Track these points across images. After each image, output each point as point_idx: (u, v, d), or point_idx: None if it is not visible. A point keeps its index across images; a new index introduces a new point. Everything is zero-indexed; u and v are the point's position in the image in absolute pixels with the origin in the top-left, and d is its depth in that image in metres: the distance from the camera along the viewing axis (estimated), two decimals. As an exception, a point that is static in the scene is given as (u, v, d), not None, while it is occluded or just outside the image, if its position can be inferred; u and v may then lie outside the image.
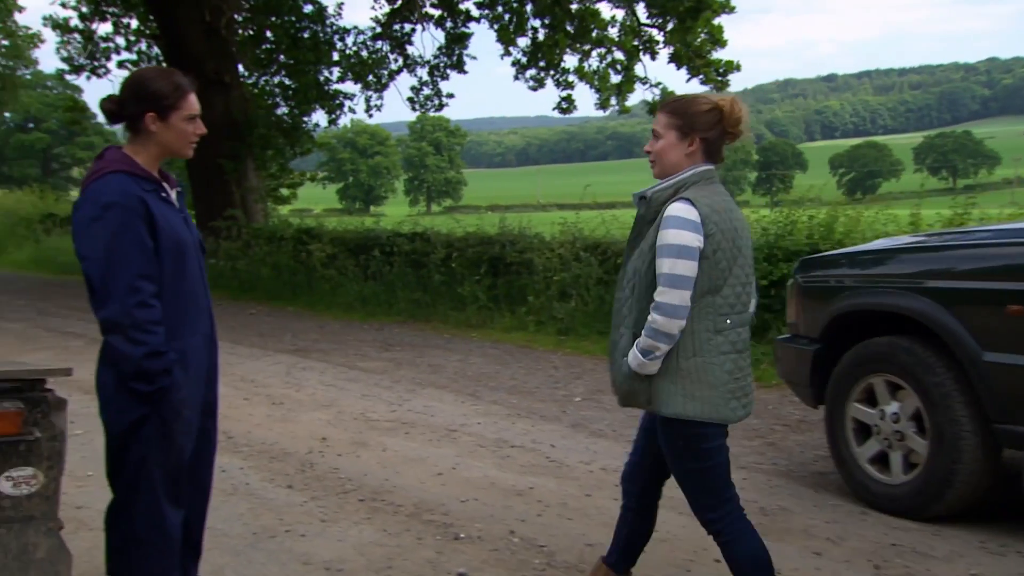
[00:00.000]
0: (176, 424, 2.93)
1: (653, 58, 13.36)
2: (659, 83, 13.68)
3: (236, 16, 16.45)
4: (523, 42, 17.36)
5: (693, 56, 12.71)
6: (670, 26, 12.32)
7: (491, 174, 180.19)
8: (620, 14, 13.99)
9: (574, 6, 14.06)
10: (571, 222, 10.66)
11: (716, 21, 12.57)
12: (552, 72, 17.88)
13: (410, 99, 19.29)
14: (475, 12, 17.76)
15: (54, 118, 64.62)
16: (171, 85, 2.92)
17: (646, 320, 2.82)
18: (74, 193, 60.05)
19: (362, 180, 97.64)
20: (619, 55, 14.29)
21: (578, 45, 16.46)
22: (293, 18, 17.10)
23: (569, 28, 16.57)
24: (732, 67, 13.09)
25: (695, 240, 2.78)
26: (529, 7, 16.50)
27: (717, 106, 2.93)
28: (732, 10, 12.48)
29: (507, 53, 15.32)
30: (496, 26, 17.47)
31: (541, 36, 17.23)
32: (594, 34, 14.34)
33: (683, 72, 13.06)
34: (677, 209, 2.81)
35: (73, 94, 35.10)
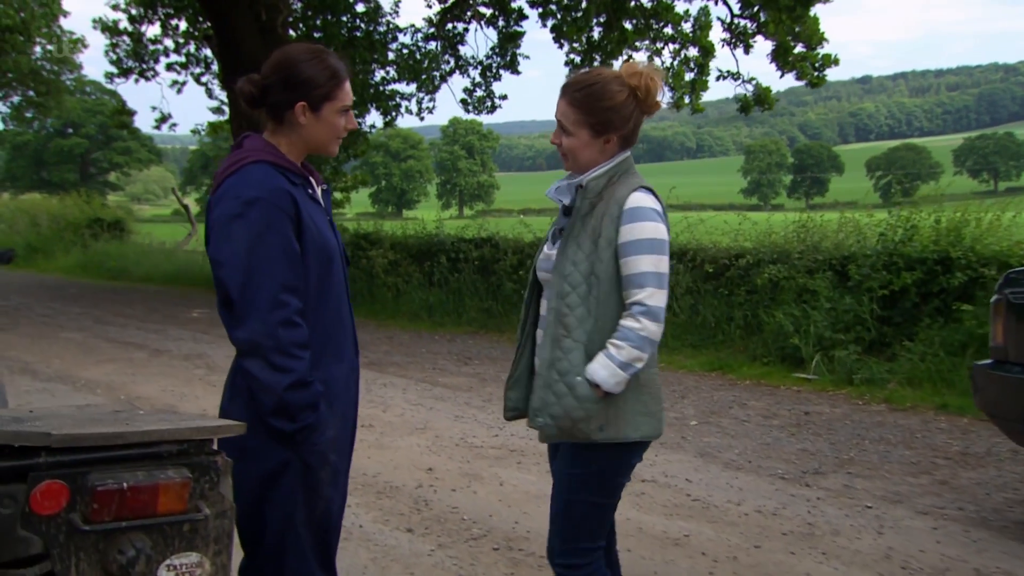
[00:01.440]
0: (323, 472, 2.41)
1: (747, 52, 12.66)
2: (752, 78, 13.01)
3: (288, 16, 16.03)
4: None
5: (803, 48, 11.98)
6: (763, 17, 11.62)
7: (522, 178, 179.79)
8: (695, 8, 13.31)
9: (645, 1, 13.38)
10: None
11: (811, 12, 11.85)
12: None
13: (463, 101, 18.79)
14: (528, 10, 17.26)
15: (93, 123, 65.00)
16: (327, 71, 2.40)
17: (608, 329, 2.42)
18: (112, 197, 60.43)
19: (395, 184, 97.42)
20: (693, 52, 13.64)
21: (640, 43, 15.85)
22: (344, 17, 16.67)
23: (628, 26, 15.98)
24: (829, 61, 12.34)
25: (666, 233, 2.47)
26: (584, 3, 15.93)
27: (632, 91, 2.47)
28: None
29: (572, 51, 14.68)
30: (550, 24, 16.94)
31: (596, 35, 16.69)
32: (667, 30, 13.67)
33: (773, 66, 12.32)
34: (644, 199, 2.45)
35: (111, 99, 34.98)
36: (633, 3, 15.86)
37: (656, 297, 2.39)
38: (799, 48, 12.11)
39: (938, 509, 4.41)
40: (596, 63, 17.67)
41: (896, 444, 5.56)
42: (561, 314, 2.47)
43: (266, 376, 2.24)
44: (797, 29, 11.89)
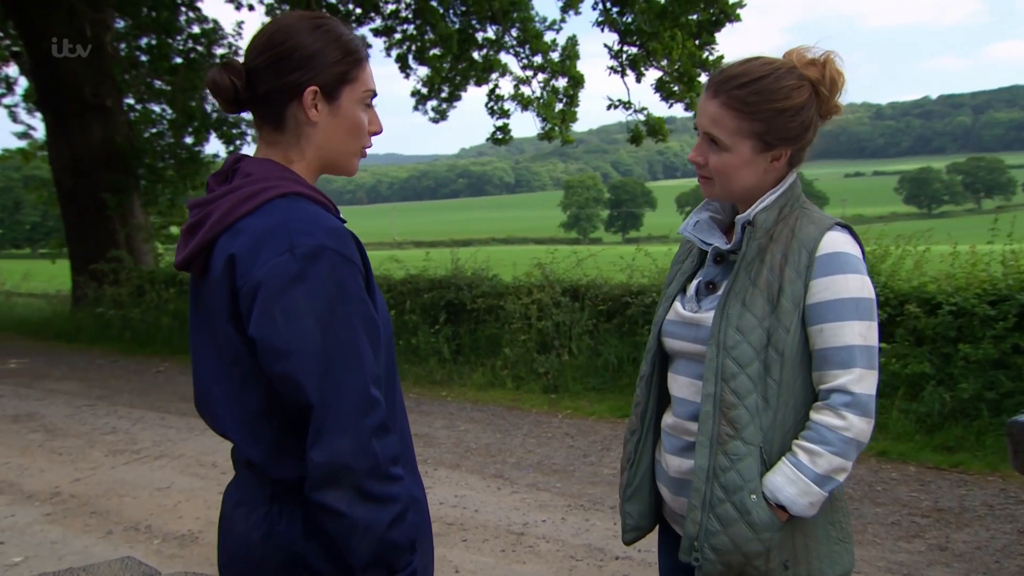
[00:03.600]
0: None
1: (638, 80, 12.34)
2: (644, 108, 12.72)
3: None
4: (423, 71, 16.32)
5: (706, 74, 11.81)
6: (653, 44, 11.37)
7: (342, 212, 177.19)
8: (562, 38, 12.98)
9: (514, 32, 12.99)
10: (544, 262, 9.53)
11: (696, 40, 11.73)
12: (453, 103, 16.85)
13: (307, 128, 17.86)
14: (372, 40, 16.65)
15: None
16: (340, 44, 1.63)
17: (792, 425, 1.77)
18: None
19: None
20: (562, 82, 13.32)
21: (490, 76, 15.48)
22: (179, 38, 15.37)
23: (476, 56, 15.59)
24: None
25: (874, 291, 1.81)
26: (430, 34, 15.42)
27: (813, 87, 1.81)
28: (739, 18, 11.62)
29: (441, 81, 14.05)
30: (395, 54, 16.37)
31: (447, 64, 16.21)
32: (537, 59, 13.30)
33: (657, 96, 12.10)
34: (844, 243, 1.79)
35: None
36: (482, 35, 15.51)
37: (866, 382, 1.73)
38: (703, 77, 12.01)
39: (959, 580, 4.02)
40: (443, 93, 17.23)
41: (861, 499, 5.21)
42: (726, 404, 1.77)
43: (361, 513, 1.47)
44: (706, 56, 11.76)
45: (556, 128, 12.99)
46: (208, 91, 1.72)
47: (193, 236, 1.60)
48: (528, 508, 5.22)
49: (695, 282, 1.95)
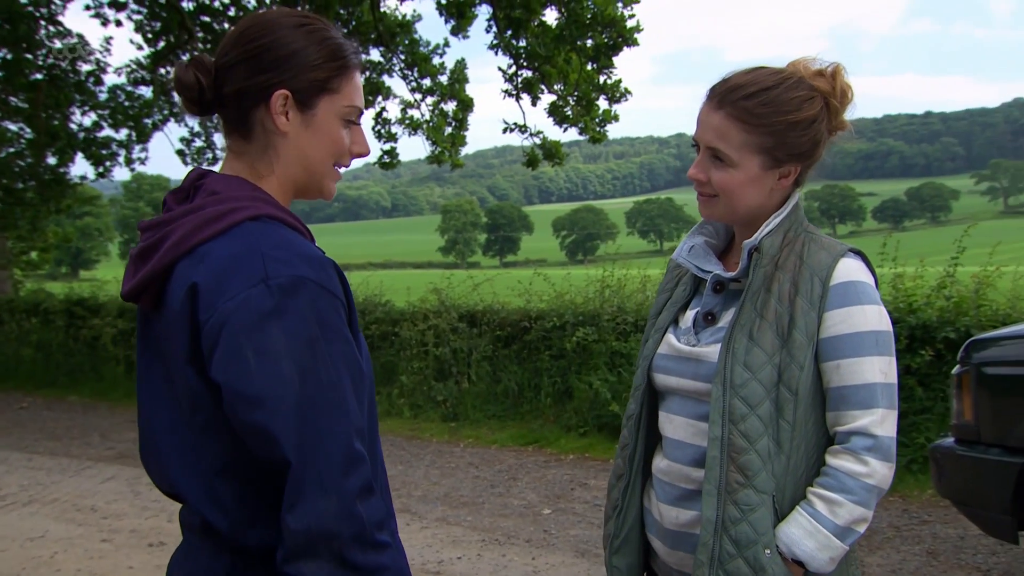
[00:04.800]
0: None
1: (534, 104, 12.24)
2: (540, 131, 12.61)
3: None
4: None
5: (605, 100, 11.78)
6: (547, 68, 11.33)
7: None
8: (451, 62, 12.84)
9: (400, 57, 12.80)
10: (439, 287, 9.33)
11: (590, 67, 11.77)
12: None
13: (179, 152, 17.10)
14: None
15: None
16: (325, 48, 1.42)
17: (805, 471, 1.63)
18: None
19: (70, 242, 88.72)
20: (451, 105, 13.17)
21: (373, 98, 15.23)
22: (28, 55, 14.42)
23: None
24: (610, 117, 12.25)
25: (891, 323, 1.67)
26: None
27: (824, 100, 1.68)
28: (636, 42, 11.69)
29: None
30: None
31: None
32: (426, 81, 13.13)
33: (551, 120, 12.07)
34: (859, 271, 1.64)
35: None
36: (365, 57, 15.26)
37: (887, 423, 1.58)
38: (602, 100, 12.02)
39: (884, 599, 4.02)
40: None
41: (774, 520, 5.21)
42: (735, 449, 1.59)
43: None
44: (604, 80, 11.77)
45: (446, 152, 12.84)
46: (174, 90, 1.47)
47: (145, 262, 1.36)
48: (441, 544, 5.00)
49: (690, 312, 1.79)
